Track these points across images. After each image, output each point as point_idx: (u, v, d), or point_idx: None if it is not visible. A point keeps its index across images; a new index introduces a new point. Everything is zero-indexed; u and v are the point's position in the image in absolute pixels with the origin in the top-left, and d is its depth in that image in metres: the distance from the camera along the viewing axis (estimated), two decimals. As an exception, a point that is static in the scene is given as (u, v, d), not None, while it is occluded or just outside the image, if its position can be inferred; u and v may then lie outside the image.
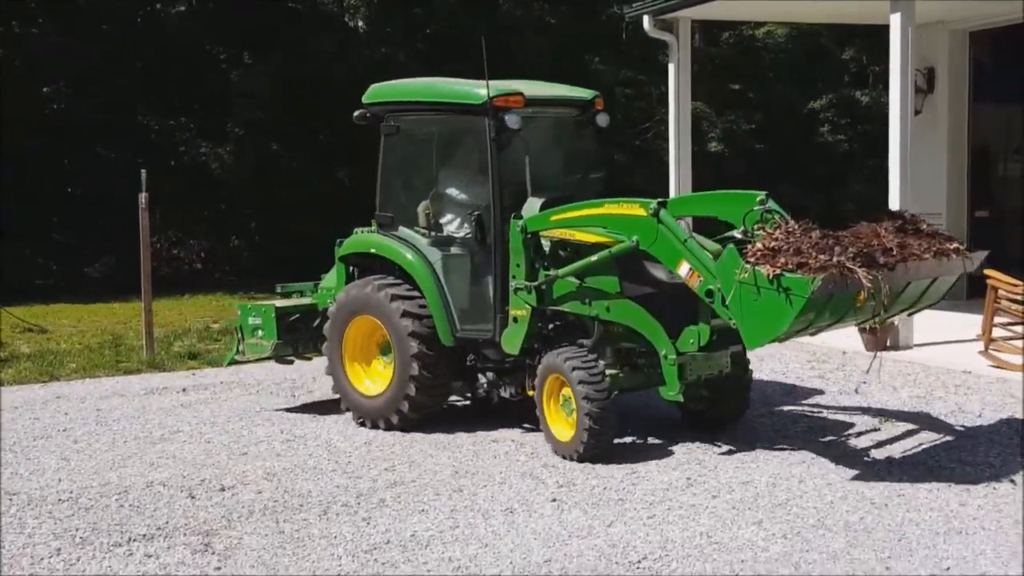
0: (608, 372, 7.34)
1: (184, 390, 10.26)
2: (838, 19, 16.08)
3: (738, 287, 6.39)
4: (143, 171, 11.75)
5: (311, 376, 10.09)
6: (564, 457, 7.33)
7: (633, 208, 7.13)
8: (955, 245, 6.95)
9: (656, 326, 7.18)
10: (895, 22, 10.45)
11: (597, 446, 7.21)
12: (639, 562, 5.52)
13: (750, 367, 8.01)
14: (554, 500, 6.52)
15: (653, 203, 7.02)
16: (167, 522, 6.33)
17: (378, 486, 6.94)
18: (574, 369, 7.25)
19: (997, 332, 9.93)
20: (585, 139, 8.72)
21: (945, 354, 10.38)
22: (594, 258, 7.31)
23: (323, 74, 20.50)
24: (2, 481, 7.17)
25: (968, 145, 14.43)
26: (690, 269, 6.77)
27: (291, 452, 7.86)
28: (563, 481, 6.91)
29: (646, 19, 13.20)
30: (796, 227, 6.53)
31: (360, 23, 23.48)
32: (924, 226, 6.99)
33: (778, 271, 6.19)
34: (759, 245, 6.43)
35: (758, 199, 6.84)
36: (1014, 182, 16.03)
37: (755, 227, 6.70)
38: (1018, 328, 9.73)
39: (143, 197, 11.81)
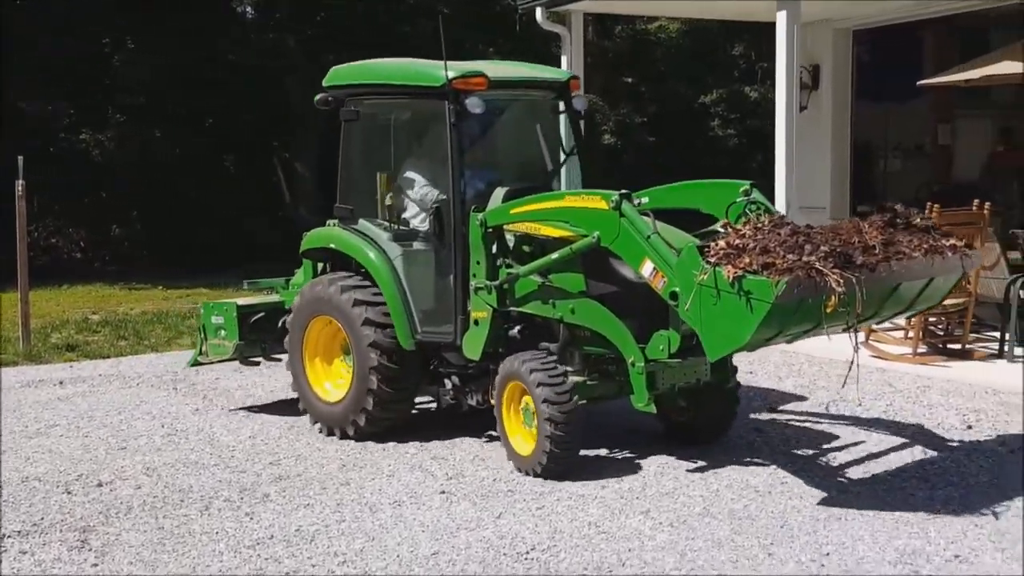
0: (574, 379, 6.73)
1: (61, 383, 9.94)
2: (728, 16, 16.31)
3: (697, 290, 5.74)
4: (20, 157, 11.34)
5: (193, 369, 9.84)
6: (525, 473, 6.70)
7: (594, 200, 6.48)
8: (951, 242, 6.26)
9: (623, 330, 6.54)
10: (781, 20, 10.63)
11: (561, 459, 6.56)
12: (527, 553, 5.50)
13: (735, 374, 7.26)
14: (443, 492, 6.47)
15: (615, 195, 6.35)
16: (43, 518, 6.12)
17: (262, 480, 6.80)
18: (532, 372, 6.64)
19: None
20: (560, 124, 8.15)
21: (830, 345, 10.58)
22: (555, 255, 6.69)
23: (208, 60, 20.09)
24: None
25: (851, 141, 14.78)
26: (654, 269, 6.12)
27: (172, 446, 7.66)
28: (452, 473, 6.86)
29: (539, 11, 13.20)
30: (765, 222, 5.91)
31: (248, 9, 23.08)
32: (918, 220, 6.31)
33: (739, 272, 5.54)
34: (722, 243, 5.78)
35: (742, 189, 6.47)
36: (895, 177, 16.50)
37: (722, 224, 6.25)
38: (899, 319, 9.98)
39: (19, 184, 11.41)
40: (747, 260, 5.58)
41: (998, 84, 12.00)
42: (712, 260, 5.70)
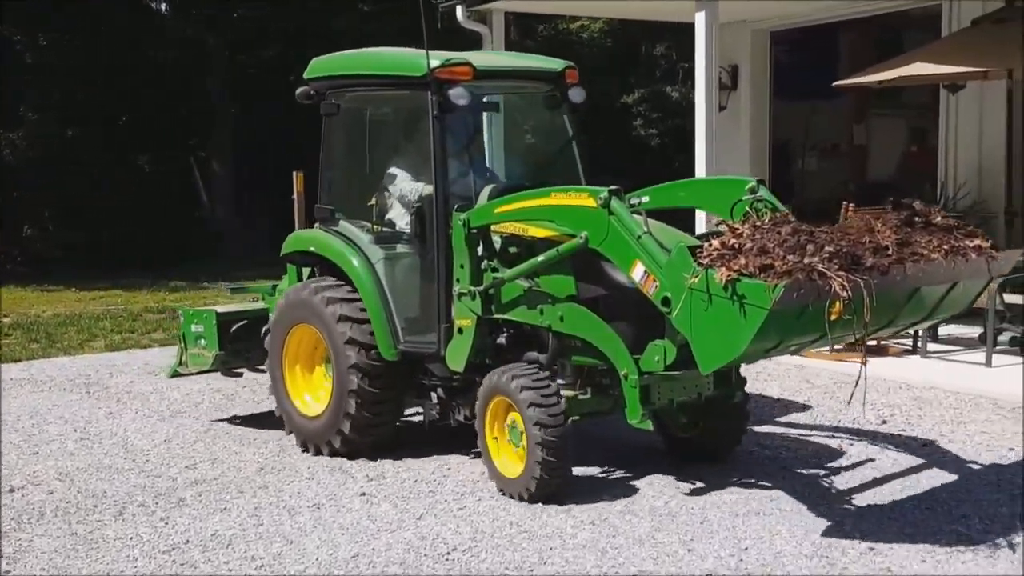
0: (564, 393, 6.29)
1: (-30, 387, 9.67)
2: (648, 16, 16.41)
3: (688, 295, 5.21)
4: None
5: (107, 372, 9.64)
6: (512, 497, 6.20)
7: (581, 197, 5.97)
8: (976, 242, 5.63)
9: (615, 339, 6.03)
10: (700, 20, 10.70)
11: (552, 481, 6.08)
12: (448, 554, 5.47)
13: (744, 386, 6.71)
14: (363, 494, 6.41)
15: (603, 191, 5.82)
16: (-52, 527, 5.94)
17: (178, 485, 6.67)
18: (523, 390, 6.10)
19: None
20: (556, 118, 7.52)
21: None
22: (541, 258, 6.20)
23: (124, 57, 19.72)
24: None
25: (769, 140, 14.97)
26: (645, 272, 5.56)
27: (85, 451, 7.48)
28: (373, 475, 6.79)
29: (459, 10, 13.15)
30: (766, 220, 5.35)
31: (163, 5, 22.72)
32: (938, 218, 5.73)
33: (733, 275, 4.99)
34: (716, 243, 5.21)
35: (747, 187, 5.95)
36: (812, 176, 16.74)
37: (719, 223, 5.75)
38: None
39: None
40: (743, 261, 5.01)
41: (911, 85, 12.22)
42: (704, 261, 5.14)
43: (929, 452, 7.06)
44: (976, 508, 5.97)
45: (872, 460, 6.89)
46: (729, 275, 5.01)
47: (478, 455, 6.70)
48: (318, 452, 7.19)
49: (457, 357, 6.68)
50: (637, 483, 6.45)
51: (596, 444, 7.13)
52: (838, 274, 4.94)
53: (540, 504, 6.11)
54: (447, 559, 5.41)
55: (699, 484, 6.40)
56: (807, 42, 15.32)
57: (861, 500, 6.14)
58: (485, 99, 7.42)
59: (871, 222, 5.53)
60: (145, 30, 21.03)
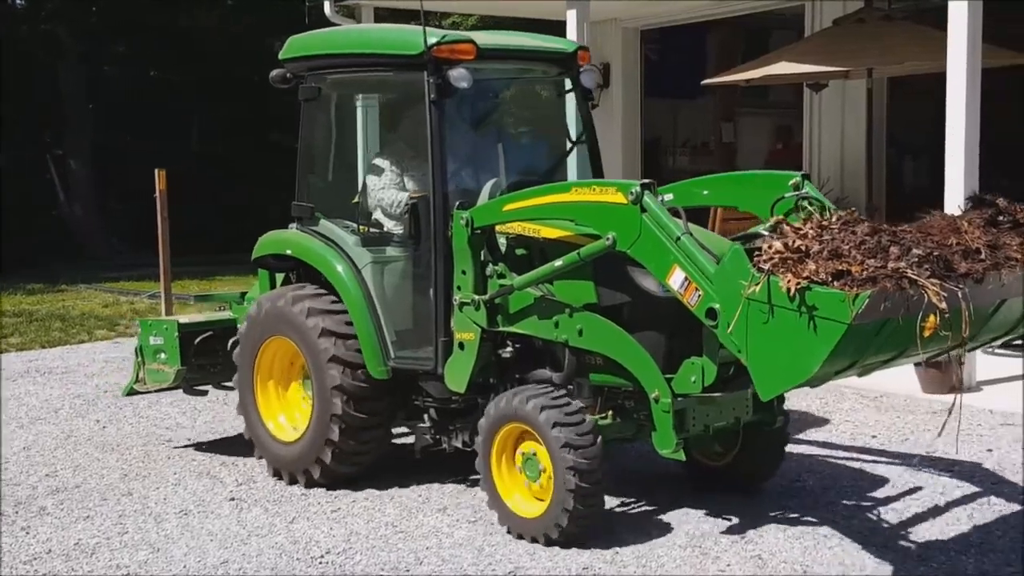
0: (591, 417, 5.46)
1: None
2: (520, 13, 16.44)
3: (745, 306, 4.46)
4: None
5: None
6: (531, 540, 5.40)
7: (608, 193, 5.19)
8: None
9: (644, 357, 5.27)
10: (571, 19, 10.74)
11: (586, 520, 5.30)
12: (322, 557, 5.36)
13: (784, 410, 5.94)
14: (233, 499, 6.24)
15: (635, 185, 5.06)
16: None
17: (38, 493, 6.40)
18: (544, 411, 5.31)
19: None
20: (565, 105, 6.83)
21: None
22: (559, 262, 5.42)
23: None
24: None
25: (641, 138, 15.14)
26: (685, 279, 4.81)
27: (-63, 461, 7.13)
28: (242, 479, 6.62)
29: (327, 5, 12.98)
30: (833, 219, 4.57)
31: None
32: None
33: (803, 283, 4.24)
34: (778, 244, 4.44)
35: (791, 182, 5.25)
36: (682, 174, 16.96)
37: (776, 222, 4.89)
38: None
39: None
40: (812, 267, 4.28)
41: (776, 84, 12.50)
42: (766, 267, 4.39)
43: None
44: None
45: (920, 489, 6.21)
46: (798, 283, 4.25)
47: None
48: (293, 481, 6.43)
49: (458, 375, 5.88)
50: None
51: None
52: (930, 281, 4.20)
53: (415, 504, 6.04)
54: (320, 562, 5.30)
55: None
56: (677, 41, 15.56)
57: (759, 498, 5.95)
58: (488, 82, 6.69)
59: (955, 220, 4.79)
60: None
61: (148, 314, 13.20)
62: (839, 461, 6.76)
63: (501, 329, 5.78)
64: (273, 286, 6.91)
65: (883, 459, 6.79)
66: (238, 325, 6.95)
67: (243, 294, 7.55)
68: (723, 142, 16.66)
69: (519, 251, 5.92)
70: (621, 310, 5.50)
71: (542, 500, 5.40)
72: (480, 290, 5.76)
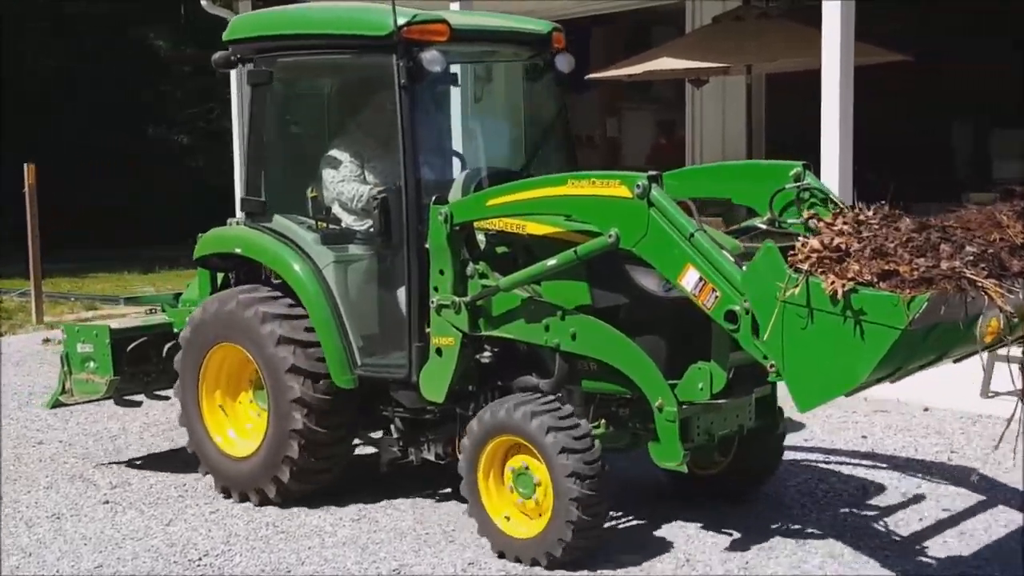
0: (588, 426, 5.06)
1: None
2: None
3: (782, 310, 4.16)
4: None
5: None
6: (531, 563, 5.00)
7: (611, 186, 4.79)
8: None
9: (646, 362, 4.93)
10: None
11: (592, 532, 4.93)
12: (200, 559, 5.24)
13: (783, 416, 5.66)
14: (107, 502, 6.08)
15: (642, 178, 4.67)
16: None
17: None
18: (535, 417, 4.91)
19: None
20: (540, 90, 6.34)
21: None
22: (552, 261, 5.02)
23: None
24: None
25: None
26: (700, 279, 4.50)
27: None
28: (116, 482, 6.45)
29: (204, -1, 12.72)
30: (871, 214, 4.27)
31: None
32: None
33: (850, 285, 3.97)
34: (815, 242, 4.14)
35: (792, 172, 4.94)
36: (568, 168, 17.05)
37: (809, 217, 4.58)
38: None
39: None
40: (856, 267, 4.01)
41: (659, 80, 12.64)
42: (805, 267, 4.09)
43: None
44: None
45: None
46: (845, 284, 3.97)
47: None
48: (244, 499, 5.98)
49: (435, 384, 5.43)
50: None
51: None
52: (989, 282, 3.93)
53: (298, 503, 5.90)
54: (198, 565, 5.18)
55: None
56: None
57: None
58: (458, 66, 6.27)
59: (993, 213, 4.47)
60: None
61: (18, 313, 12.77)
62: (838, 467, 6.43)
63: (484, 333, 5.36)
64: (215, 288, 6.42)
65: (884, 464, 6.46)
66: (175, 330, 6.49)
67: (177, 295, 7.06)
68: (607, 136, 16.78)
69: (500, 249, 5.52)
70: (618, 312, 5.14)
71: (539, 517, 4.99)
72: (460, 291, 5.33)
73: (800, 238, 4.26)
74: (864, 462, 6.54)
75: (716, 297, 4.45)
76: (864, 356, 3.98)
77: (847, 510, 5.70)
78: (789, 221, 4.85)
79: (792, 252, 4.18)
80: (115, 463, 6.81)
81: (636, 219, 4.68)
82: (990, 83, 11.12)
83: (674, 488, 5.80)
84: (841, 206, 4.54)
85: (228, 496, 6.05)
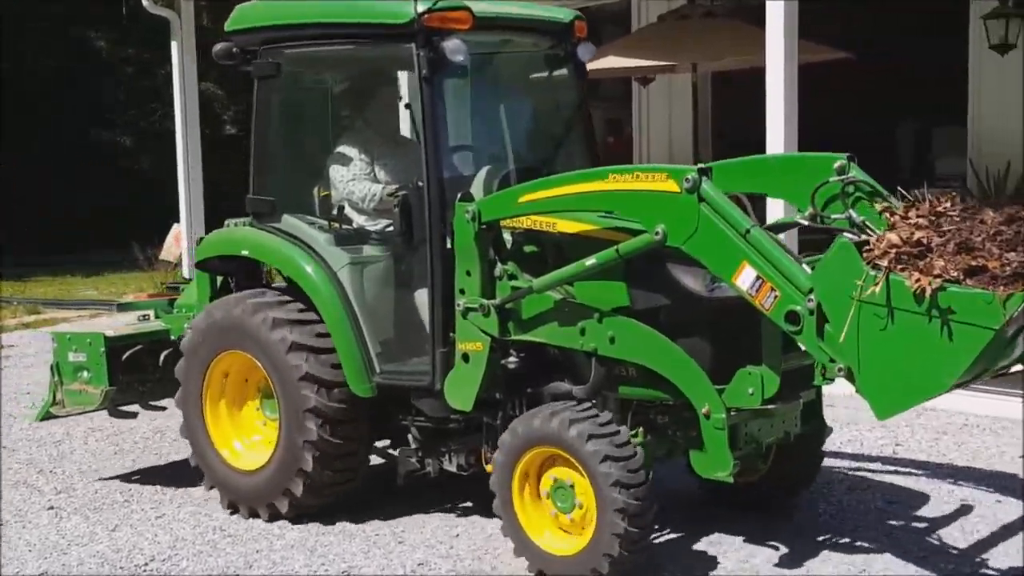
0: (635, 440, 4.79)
1: None
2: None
3: (858, 310, 3.92)
4: None
5: None
6: None
7: (658, 180, 4.49)
8: None
9: (693, 367, 4.61)
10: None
11: (635, 556, 4.61)
12: (146, 565, 5.18)
13: (826, 423, 5.42)
14: (51, 508, 5.99)
15: (691, 171, 4.40)
16: None
17: None
18: (590, 440, 4.57)
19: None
20: (561, 81, 6.00)
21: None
22: (591, 260, 4.70)
23: None
24: None
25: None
26: (757, 278, 4.23)
27: None
28: (61, 487, 6.36)
29: (145, -2, 12.54)
30: (948, 205, 4.07)
31: None
32: None
33: (938, 283, 3.72)
34: (894, 237, 3.93)
35: (836, 165, 4.64)
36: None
37: (882, 209, 4.34)
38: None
39: None
40: (941, 263, 3.76)
41: (605, 78, 12.66)
42: (886, 263, 3.86)
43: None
44: None
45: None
46: (931, 282, 3.72)
47: (183, 462, 6.23)
48: (253, 515, 5.66)
49: (462, 392, 5.13)
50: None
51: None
52: None
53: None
54: (145, 570, 5.12)
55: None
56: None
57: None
58: (476, 56, 5.78)
59: None
60: None
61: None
62: (874, 474, 6.15)
63: (514, 338, 5.05)
64: (215, 292, 6.12)
65: (919, 471, 6.20)
66: (172, 337, 6.27)
67: (171, 301, 6.74)
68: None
69: (528, 248, 5.19)
70: (657, 313, 4.82)
71: (581, 532, 4.68)
72: (488, 294, 5.04)
73: (878, 235, 4.02)
74: (903, 468, 6.31)
75: (775, 297, 4.17)
76: (952, 359, 3.73)
77: (900, 522, 5.45)
78: (833, 217, 4.60)
79: (867, 248, 3.97)
80: (59, 468, 6.71)
81: (685, 215, 4.39)
82: (933, 82, 11.27)
83: (710, 497, 5.51)
84: (915, 198, 4.21)
85: (235, 512, 5.76)
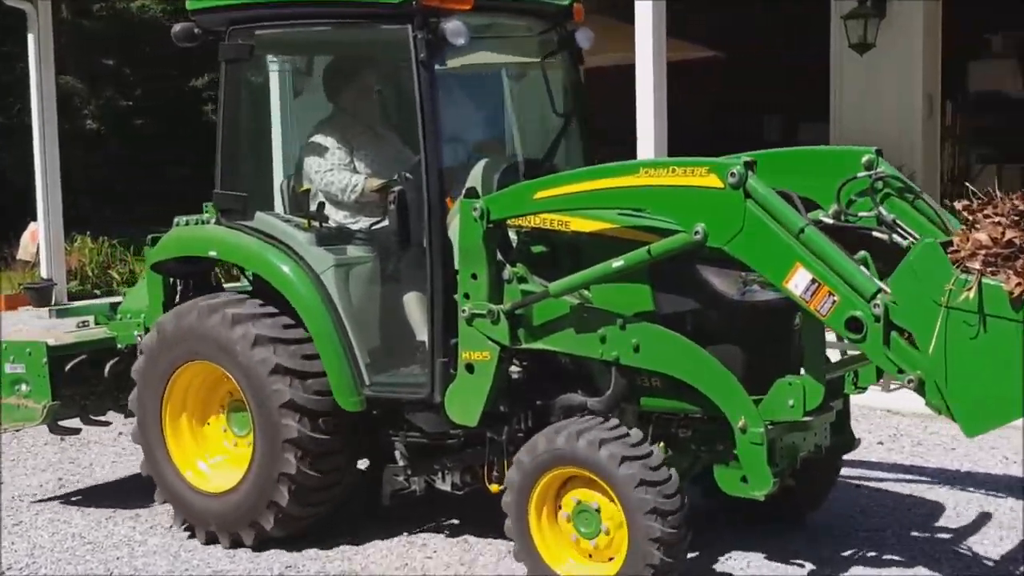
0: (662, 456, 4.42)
1: None
2: None
3: (946, 316, 3.61)
4: None
5: None
6: None
7: (698, 175, 4.09)
8: None
9: (728, 378, 4.26)
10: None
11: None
12: (3, 574, 4.98)
13: (854, 435, 5.04)
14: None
15: (736, 164, 4.01)
16: None
17: None
18: (623, 462, 4.20)
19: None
20: (558, 67, 5.63)
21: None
22: (618, 263, 4.31)
23: None
24: None
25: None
26: (813, 282, 3.88)
27: None
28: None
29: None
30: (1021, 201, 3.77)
31: None
32: None
33: None
34: (984, 237, 3.61)
35: (864, 159, 4.34)
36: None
37: (961, 205, 3.93)
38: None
39: None
40: None
41: (477, 72, 12.62)
42: (976, 266, 3.56)
43: None
44: None
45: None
46: None
47: (39, 468, 6.18)
48: (212, 541, 5.17)
49: (466, 406, 4.68)
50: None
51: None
52: None
53: (104, 513, 5.65)
54: (1, 581, 4.92)
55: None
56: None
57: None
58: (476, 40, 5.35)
59: None
60: None
61: None
62: (889, 486, 5.87)
63: (525, 346, 4.62)
64: (168, 297, 5.56)
65: (936, 480, 5.94)
66: (119, 345, 5.76)
67: (113, 305, 6.19)
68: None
69: (536, 248, 4.80)
70: (684, 319, 4.49)
71: (608, 561, 4.33)
72: (496, 298, 4.62)
73: (961, 235, 3.74)
74: (922, 477, 6.08)
75: (834, 302, 3.84)
76: None
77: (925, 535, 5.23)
78: (859, 214, 4.33)
79: (951, 249, 3.67)
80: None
81: (730, 212, 4.01)
82: (799, 80, 11.57)
83: (717, 509, 5.09)
84: (989, 195, 3.87)
85: (192, 534, 5.28)
